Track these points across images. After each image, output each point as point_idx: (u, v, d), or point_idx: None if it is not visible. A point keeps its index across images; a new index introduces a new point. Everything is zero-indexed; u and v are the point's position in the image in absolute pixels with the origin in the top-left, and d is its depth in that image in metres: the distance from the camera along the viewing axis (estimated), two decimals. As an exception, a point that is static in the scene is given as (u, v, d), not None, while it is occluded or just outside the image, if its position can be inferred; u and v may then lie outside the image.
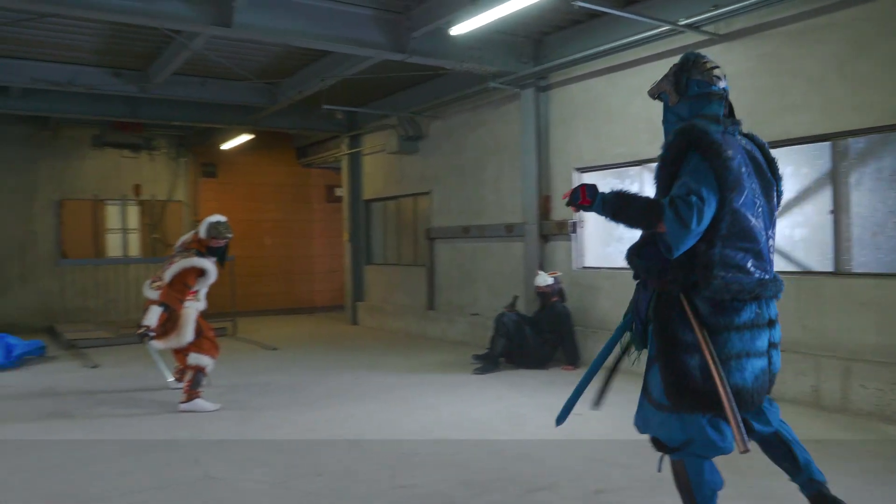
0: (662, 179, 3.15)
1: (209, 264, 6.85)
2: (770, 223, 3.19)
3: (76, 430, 6.00)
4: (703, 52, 3.48)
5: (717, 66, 3.30)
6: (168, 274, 6.80)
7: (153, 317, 6.68)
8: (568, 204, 3.20)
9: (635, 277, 3.32)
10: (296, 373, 8.60)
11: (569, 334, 8.52)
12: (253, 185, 15.92)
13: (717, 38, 7.38)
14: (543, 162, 9.50)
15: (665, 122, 3.36)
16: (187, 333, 6.76)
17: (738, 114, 3.41)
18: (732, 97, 3.38)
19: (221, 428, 6.01)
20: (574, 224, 9.13)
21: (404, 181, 12.59)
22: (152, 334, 6.69)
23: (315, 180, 16.66)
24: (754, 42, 7.14)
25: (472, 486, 4.42)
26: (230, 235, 7.00)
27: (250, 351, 10.53)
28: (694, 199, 2.89)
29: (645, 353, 3.36)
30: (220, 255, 7.09)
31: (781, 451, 3.22)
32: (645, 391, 3.25)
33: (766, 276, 3.10)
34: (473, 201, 10.94)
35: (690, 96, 3.22)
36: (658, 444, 3.21)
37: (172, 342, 6.84)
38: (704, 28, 7.36)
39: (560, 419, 3.56)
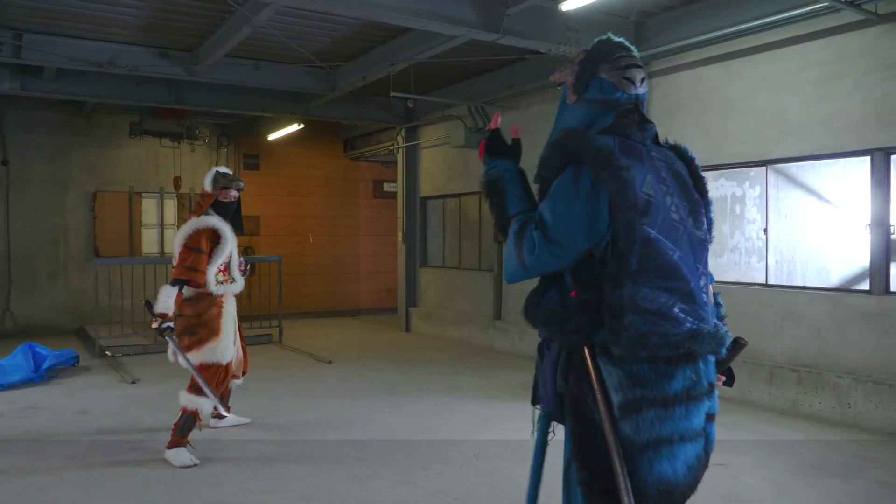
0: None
1: (219, 221, 5.54)
2: (701, 256, 2.35)
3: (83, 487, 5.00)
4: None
5: (636, 66, 2.39)
6: (175, 249, 5.47)
7: (167, 300, 5.21)
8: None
9: (541, 335, 2.52)
10: (362, 397, 7.51)
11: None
12: (297, 178, 14.85)
13: (874, 19, 6.27)
14: (642, 161, 8.35)
15: (556, 121, 2.48)
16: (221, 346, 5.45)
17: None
18: None
19: (274, 487, 4.99)
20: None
21: (470, 178, 11.49)
22: (171, 325, 5.23)
23: (363, 174, 15.58)
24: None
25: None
26: (242, 185, 5.72)
27: (303, 364, 9.48)
28: (537, 235, 2.22)
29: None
30: (233, 216, 5.76)
31: None
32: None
33: (704, 326, 2.25)
34: (552, 202, 9.82)
35: (588, 99, 2.37)
36: None
37: (207, 355, 5.40)
38: (865, 6, 6.25)
39: None
